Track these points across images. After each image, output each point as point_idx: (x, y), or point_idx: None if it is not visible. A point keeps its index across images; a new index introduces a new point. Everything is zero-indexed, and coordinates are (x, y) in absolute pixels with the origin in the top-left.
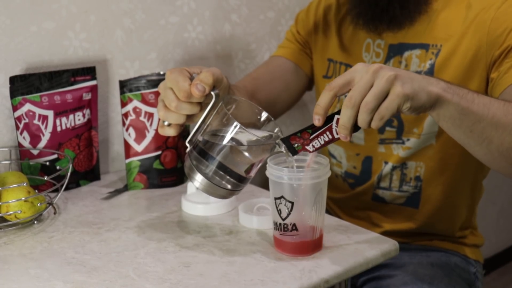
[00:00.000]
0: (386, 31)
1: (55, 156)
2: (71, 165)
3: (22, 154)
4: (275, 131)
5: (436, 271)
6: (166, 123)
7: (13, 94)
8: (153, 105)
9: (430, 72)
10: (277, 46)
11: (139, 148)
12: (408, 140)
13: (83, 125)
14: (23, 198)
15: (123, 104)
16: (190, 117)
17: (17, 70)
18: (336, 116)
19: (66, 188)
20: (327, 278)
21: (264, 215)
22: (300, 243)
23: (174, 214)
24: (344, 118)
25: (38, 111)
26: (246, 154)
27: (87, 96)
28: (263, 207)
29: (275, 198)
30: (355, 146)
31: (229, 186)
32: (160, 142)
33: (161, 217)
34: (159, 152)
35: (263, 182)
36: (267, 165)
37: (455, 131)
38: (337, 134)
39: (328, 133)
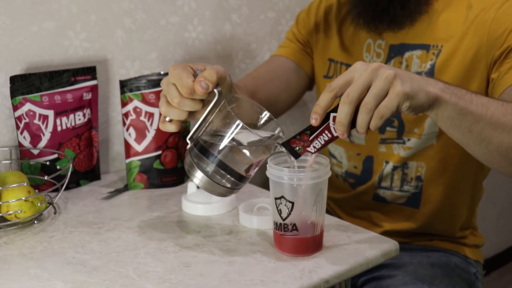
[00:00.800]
0: (387, 31)
1: (55, 156)
2: (71, 165)
3: (23, 153)
4: (277, 131)
5: (436, 271)
6: (167, 118)
7: (13, 93)
8: (154, 105)
9: (431, 73)
10: (278, 46)
11: (139, 148)
12: (408, 140)
13: (83, 125)
14: (23, 198)
15: (124, 104)
16: (192, 114)
17: (17, 70)
18: (332, 114)
19: (66, 188)
20: (327, 278)
21: (264, 215)
22: (300, 243)
23: (174, 214)
24: (341, 115)
25: (39, 110)
26: (247, 153)
27: (87, 96)
28: (263, 207)
29: (276, 198)
30: (356, 146)
31: (228, 185)
32: (161, 142)
33: (161, 217)
34: (159, 152)
35: (263, 182)
36: (267, 165)
37: (454, 131)
38: (335, 132)
39: (327, 132)
